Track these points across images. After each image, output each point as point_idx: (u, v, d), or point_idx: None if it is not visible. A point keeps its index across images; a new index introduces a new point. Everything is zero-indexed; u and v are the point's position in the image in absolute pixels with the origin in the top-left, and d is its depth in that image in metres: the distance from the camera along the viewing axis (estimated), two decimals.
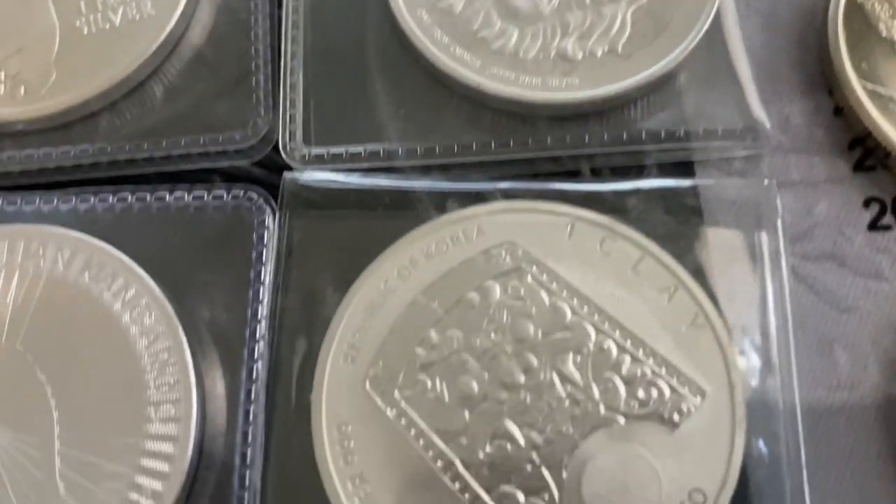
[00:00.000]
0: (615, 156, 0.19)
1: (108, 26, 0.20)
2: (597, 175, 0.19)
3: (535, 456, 0.16)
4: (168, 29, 0.20)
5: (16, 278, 0.17)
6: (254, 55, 0.20)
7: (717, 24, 0.20)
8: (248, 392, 0.16)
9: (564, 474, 0.15)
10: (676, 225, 0.18)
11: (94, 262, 0.17)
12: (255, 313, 0.17)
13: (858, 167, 0.19)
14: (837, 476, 0.16)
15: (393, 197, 0.18)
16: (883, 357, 0.17)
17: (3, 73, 0.19)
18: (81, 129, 0.19)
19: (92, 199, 0.18)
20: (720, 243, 0.18)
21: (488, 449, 0.16)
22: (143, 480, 0.16)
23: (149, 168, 0.19)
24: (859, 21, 0.20)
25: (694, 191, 0.18)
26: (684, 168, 0.19)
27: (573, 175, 0.19)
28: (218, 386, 0.17)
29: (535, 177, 0.19)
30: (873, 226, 0.19)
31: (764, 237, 0.18)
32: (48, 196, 0.18)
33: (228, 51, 0.20)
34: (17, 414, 0.16)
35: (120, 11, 0.20)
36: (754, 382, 0.16)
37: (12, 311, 0.17)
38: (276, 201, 0.18)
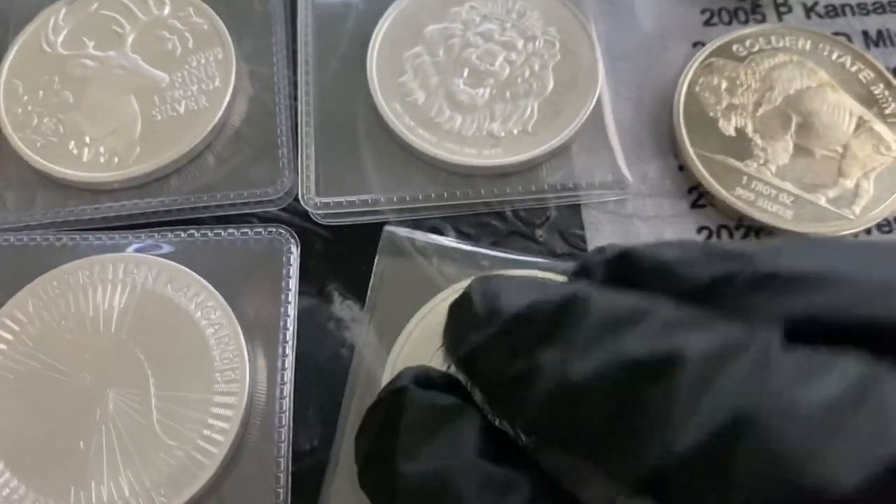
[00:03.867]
0: (528, 202, 0.27)
1: (175, 114, 0.27)
2: (515, 215, 0.27)
3: None
4: (217, 116, 0.27)
5: (118, 289, 0.25)
6: (278, 133, 0.27)
7: (598, 109, 0.27)
8: (283, 364, 0.24)
9: None
10: None
11: (174, 278, 0.25)
12: (285, 312, 0.24)
13: (694, 205, 0.27)
14: None
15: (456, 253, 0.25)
16: None
17: (102, 148, 0.26)
18: (157, 187, 0.26)
19: (169, 235, 0.25)
20: None
21: None
22: (213, 422, 0.23)
23: (206, 213, 0.26)
24: (694, 106, 0.28)
25: None
26: (575, 209, 0.27)
27: (499, 216, 0.27)
28: (260, 360, 0.24)
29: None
30: None
31: None
32: (137, 234, 0.25)
33: (260, 130, 0.27)
34: (124, 380, 0.23)
35: (183, 104, 0.27)
36: None
37: (118, 312, 0.24)
38: (298, 237, 0.25)
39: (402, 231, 0.25)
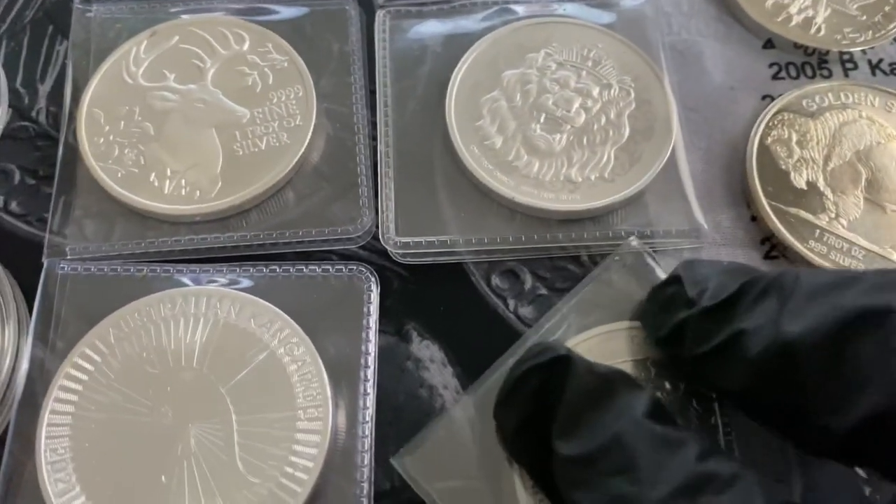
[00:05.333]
0: (604, 247, 0.27)
1: (256, 150, 0.27)
2: (591, 260, 0.27)
3: None
4: (299, 154, 0.27)
5: (201, 322, 0.25)
6: (358, 172, 0.27)
7: (673, 158, 0.28)
8: (364, 402, 0.24)
9: None
10: None
11: (257, 313, 0.25)
12: (366, 350, 0.24)
13: (767, 257, 0.27)
14: None
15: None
16: None
17: (184, 181, 0.26)
18: (237, 221, 0.26)
19: (251, 270, 0.25)
20: None
21: None
22: (296, 459, 0.23)
23: (286, 249, 0.26)
24: (766, 158, 0.28)
25: None
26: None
27: (575, 260, 0.27)
28: (341, 399, 0.24)
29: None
30: None
31: None
32: (219, 267, 0.26)
33: (339, 168, 0.27)
34: (206, 415, 0.23)
35: (265, 140, 0.27)
36: None
37: (200, 345, 0.24)
38: (377, 275, 0.25)
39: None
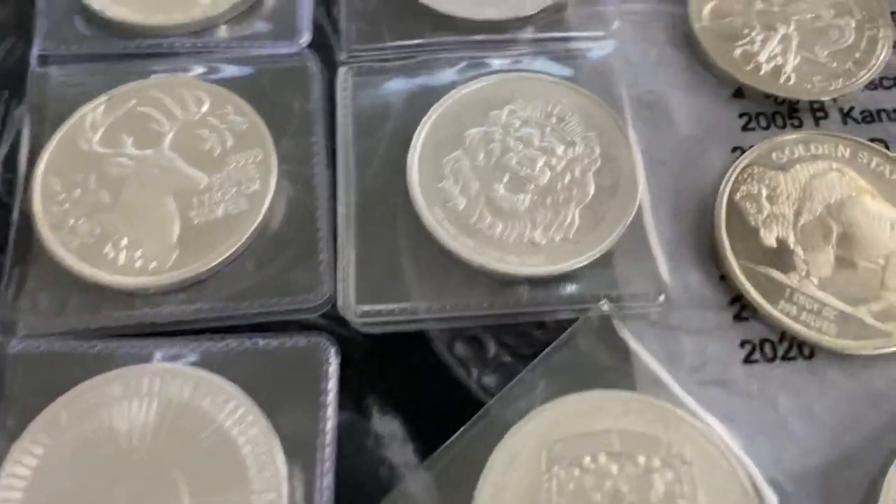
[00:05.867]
0: (570, 311, 0.26)
1: (213, 218, 0.26)
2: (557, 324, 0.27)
3: None
4: (258, 221, 0.26)
5: (155, 403, 0.24)
6: (318, 238, 0.26)
7: (639, 216, 0.27)
8: (321, 483, 0.23)
9: None
10: None
11: (211, 391, 0.24)
12: (324, 429, 0.24)
13: (737, 318, 0.26)
14: None
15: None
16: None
17: (140, 251, 0.26)
18: (195, 292, 0.26)
19: (205, 343, 0.25)
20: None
21: None
22: None
23: (243, 321, 0.26)
24: (736, 215, 0.27)
25: None
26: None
27: (541, 325, 0.27)
28: (298, 477, 0.23)
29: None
30: (747, 360, 0.26)
31: None
32: (173, 342, 0.25)
33: (300, 232, 0.26)
34: (158, 499, 0.23)
35: (222, 207, 0.27)
36: None
37: (152, 427, 0.24)
38: (339, 345, 0.25)
39: None
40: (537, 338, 0.26)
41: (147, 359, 0.25)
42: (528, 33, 0.31)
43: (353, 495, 0.24)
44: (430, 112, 0.29)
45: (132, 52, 0.30)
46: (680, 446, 0.23)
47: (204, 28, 0.31)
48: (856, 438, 0.25)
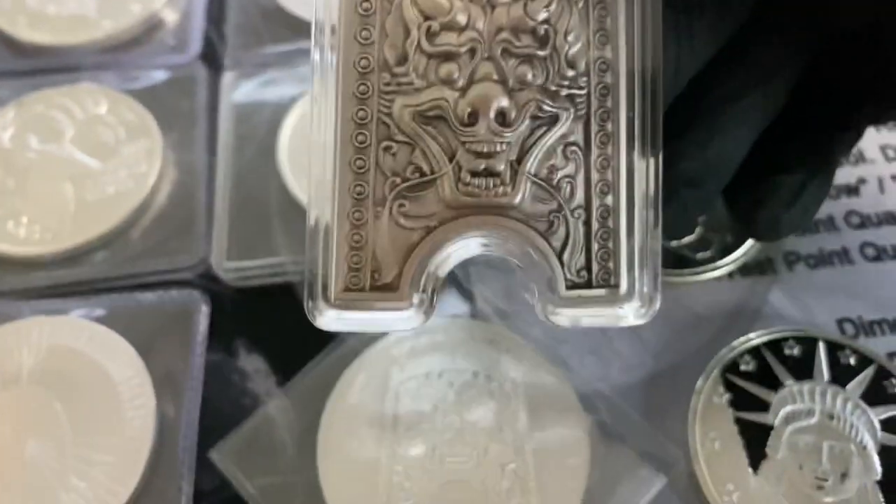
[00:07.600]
0: None
1: (104, 196, 0.31)
2: None
3: None
4: (142, 197, 0.30)
5: (44, 348, 0.27)
6: (196, 213, 0.30)
7: None
8: (188, 410, 0.26)
9: None
10: None
11: (93, 338, 0.27)
12: (193, 366, 0.27)
13: None
14: None
15: None
16: None
17: (38, 226, 0.30)
18: (86, 259, 0.30)
19: (92, 299, 0.28)
20: None
21: None
22: (120, 463, 0.25)
23: (130, 282, 0.29)
24: None
25: None
26: None
27: None
28: (170, 410, 0.26)
29: None
30: None
31: None
32: (67, 301, 0.29)
33: (181, 210, 0.31)
34: (40, 427, 0.26)
35: (113, 187, 0.31)
36: None
37: (41, 365, 0.27)
38: (211, 300, 0.28)
39: None
40: None
41: (49, 313, 0.28)
42: None
43: (219, 422, 0.26)
44: (298, 100, 0.33)
45: (43, 67, 0.35)
46: (509, 365, 0.26)
47: (107, 47, 0.35)
48: (676, 356, 0.28)
